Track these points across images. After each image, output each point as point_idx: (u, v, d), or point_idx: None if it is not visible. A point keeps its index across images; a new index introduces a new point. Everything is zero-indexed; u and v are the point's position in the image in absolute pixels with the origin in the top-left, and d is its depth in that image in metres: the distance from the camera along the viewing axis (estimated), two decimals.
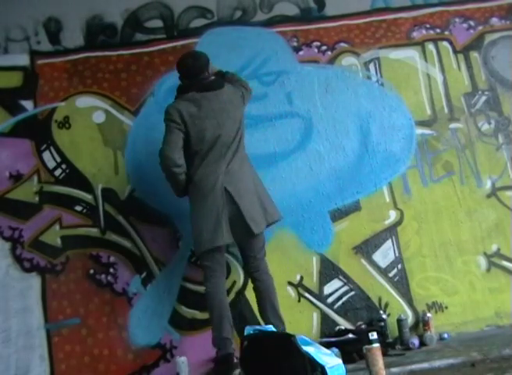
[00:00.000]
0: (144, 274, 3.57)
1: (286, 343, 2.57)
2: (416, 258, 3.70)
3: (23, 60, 3.78)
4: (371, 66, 3.97)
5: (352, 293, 3.63)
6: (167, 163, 3.10)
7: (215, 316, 3.08)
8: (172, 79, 3.80)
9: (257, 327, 2.83)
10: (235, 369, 2.98)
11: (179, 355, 3.34)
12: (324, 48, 3.97)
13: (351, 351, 3.10)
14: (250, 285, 3.52)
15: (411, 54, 4.01)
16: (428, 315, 3.51)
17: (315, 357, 2.52)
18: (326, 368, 2.49)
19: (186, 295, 3.55)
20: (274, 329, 2.90)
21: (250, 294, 3.53)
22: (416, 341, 3.34)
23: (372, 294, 3.63)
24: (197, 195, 3.15)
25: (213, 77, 3.31)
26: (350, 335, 3.28)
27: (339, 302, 3.61)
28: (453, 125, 3.93)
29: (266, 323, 3.08)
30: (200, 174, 3.15)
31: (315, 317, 3.57)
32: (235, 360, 3.04)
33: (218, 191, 3.09)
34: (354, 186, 3.75)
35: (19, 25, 3.82)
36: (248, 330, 2.78)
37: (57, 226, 3.59)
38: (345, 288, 3.63)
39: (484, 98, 4.00)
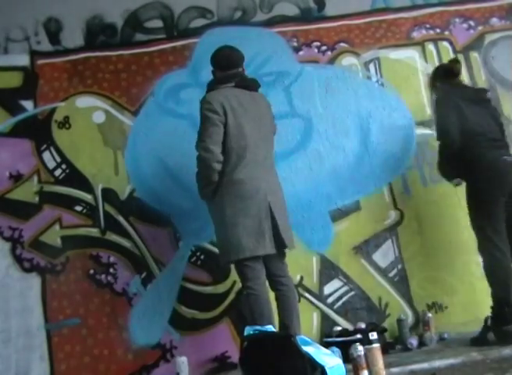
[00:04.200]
0: (144, 274, 3.57)
1: (286, 343, 2.57)
2: (416, 258, 3.70)
3: (23, 60, 3.78)
4: (371, 66, 3.98)
5: (352, 293, 3.63)
6: (208, 157, 2.88)
7: (260, 313, 2.87)
8: (172, 79, 3.82)
9: (258, 328, 2.83)
10: None
11: (179, 355, 3.34)
12: (324, 48, 3.98)
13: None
14: None
15: (411, 54, 4.02)
16: (428, 315, 3.51)
17: (315, 357, 2.52)
18: (326, 368, 2.49)
19: (186, 295, 3.55)
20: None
21: None
22: (414, 341, 3.33)
23: (372, 294, 3.63)
24: (235, 197, 2.91)
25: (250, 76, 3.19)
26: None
27: (339, 302, 3.61)
28: None
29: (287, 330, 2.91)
30: (240, 174, 2.92)
31: (315, 317, 3.57)
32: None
33: (261, 197, 2.91)
34: (354, 186, 3.75)
35: (19, 25, 3.82)
36: (248, 330, 2.78)
37: (57, 226, 3.59)
38: (345, 288, 3.63)
39: None
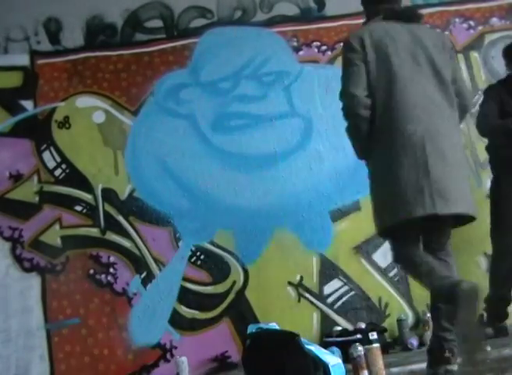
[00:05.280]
0: (144, 274, 3.57)
1: (289, 342, 2.57)
2: None
3: (23, 60, 3.78)
4: None
5: (352, 293, 3.63)
6: (350, 104, 2.36)
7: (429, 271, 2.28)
8: (172, 79, 3.82)
9: (261, 326, 2.83)
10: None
11: (179, 355, 3.34)
12: (324, 48, 3.98)
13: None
14: (250, 285, 3.54)
15: None
16: (428, 315, 3.51)
17: (319, 355, 2.52)
18: (329, 366, 2.50)
19: (186, 295, 3.55)
20: None
21: (250, 294, 3.54)
22: (415, 342, 3.33)
23: (372, 294, 3.63)
24: (385, 147, 2.35)
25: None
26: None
27: (339, 302, 3.61)
28: None
29: None
30: (388, 118, 2.34)
31: (315, 317, 3.57)
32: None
33: (418, 145, 2.30)
34: (354, 186, 3.75)
35: (19, 25, 3.82)
36: (251, 328, 2.77)
37: (57, 226, 3.59)
38: (345, 288, 3.63)
39: None
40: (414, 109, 2.35)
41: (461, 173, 2.39)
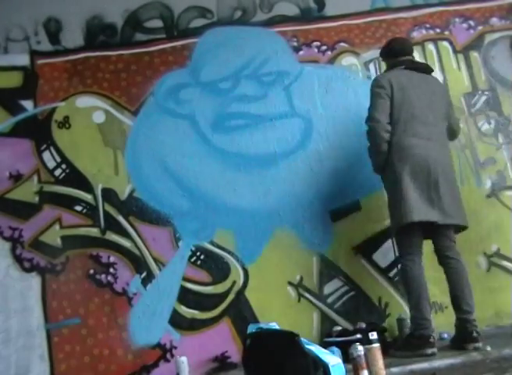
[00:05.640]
0: (144, 274, 3.57)
1: (289, 341, 2.56)
2: None
3: (23, 60, 3.78)
4: (371, 66, 3.98)
5: (352, 293, 3.63)
6: (375, 126, 3.08)
7: (415, 296, 3.06)
8: (172, 79, 3.82)
9: (261, 326, 2.83)
10: (430, 347, 2.94)
11: (179, 355, 3.33)
12: (324, 48, 3.98)
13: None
14: (250, 285, 3.54)
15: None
16: None
17: (319, 355, 2.52)
18: (329, 366, 2.49)
19: (186, 295, 3.55)
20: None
21: (250, 294, 3.54)
22: None
23: (372, 294, 3.63)
24: (405, 163, 3.05)
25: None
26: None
27: (339, 302, 3.61)
28: None
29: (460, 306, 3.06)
30: (407, 142, 3.09)
31: (315, 317, 3.57)
32: (432, 340, 2.98)
33: (430, 166, 3.05)
34: (354, 186, 3.75)
35: (19, 25, 3.82)
36: (251, 328, 2.77)
37: (57, 226, 3.59)
38: (345, 288, 3.63)
39: (484, 98, 4.00)
40: (425, 139, 3.08)
41: (456, 191, 3.16)
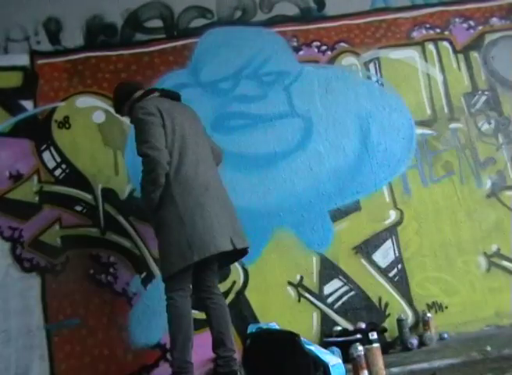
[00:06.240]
0: (143, 274, 3.57)
1: (289, 342, 2.57)
2: (416, 258, 3.70)
3: (23, 60, 3.78)
4: (371, 66, 3.98)
5: (352, 293, 3.63)
6: (157, 155, 2.79)
7: (181, 337, 2.88)
8: (172, 79, 3.81)
9: (261, 326, 2.83)
10: None
11: None
12: (324, 48, 3.98)
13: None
14: (250, 285, 3.53)
15: (411, 54, 4.02)
16: (428, 315, 3.51)
17: (319, 355, 2.52)
18: (329, 366, 2.50)
19: None
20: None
21: (250, 294, 3.54)
22: (415, 342, 3.33)
23: (372, 294, 3.63)
24: (187, 195, 2.82)
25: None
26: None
27: (339, 302, 3.61)
28: (453, 125, 3.93)
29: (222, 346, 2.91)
30: (186, 172, 2.86)
31: (315, 317, 3.57)
32: None
33: (211, 192, 2.89)
34: (354, 186, 3.76)
35: (19, 25, 3.82)
36: (251, 328, 2.78)
37: (57, 226, 3.59)
38: (345, 288, 3.63)
39: (484, 98, 4.00)
40: (203, 166, 2.92)
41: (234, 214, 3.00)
